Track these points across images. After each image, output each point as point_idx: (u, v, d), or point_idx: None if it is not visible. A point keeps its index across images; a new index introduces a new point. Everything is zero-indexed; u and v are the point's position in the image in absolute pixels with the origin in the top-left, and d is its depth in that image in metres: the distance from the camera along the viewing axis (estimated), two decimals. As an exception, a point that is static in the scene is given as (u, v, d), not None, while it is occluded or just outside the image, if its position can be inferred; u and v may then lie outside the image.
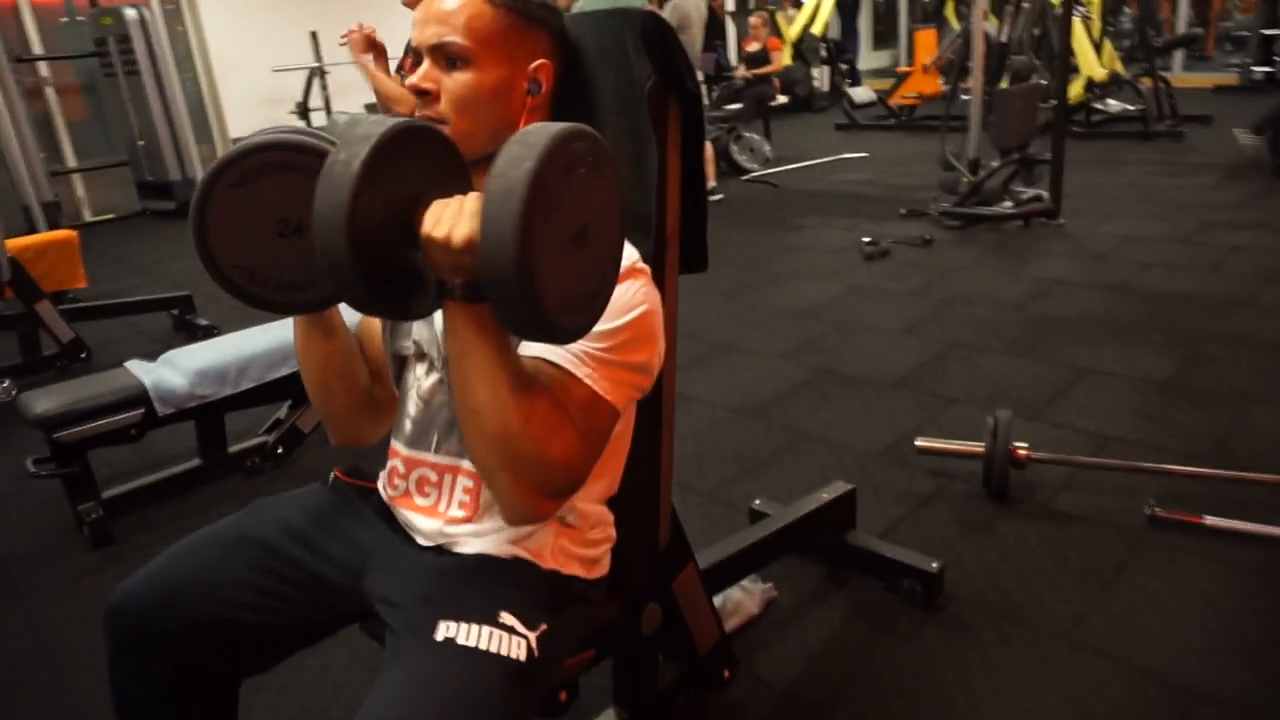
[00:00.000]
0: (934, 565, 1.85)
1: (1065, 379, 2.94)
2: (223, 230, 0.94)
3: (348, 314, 1.03)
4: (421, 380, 1.11)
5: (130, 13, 6.86)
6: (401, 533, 1.15)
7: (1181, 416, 2.61)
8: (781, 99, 8.27)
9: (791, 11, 10.50)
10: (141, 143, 7.29)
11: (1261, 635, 1.71)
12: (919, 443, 2.39)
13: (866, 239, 4.70)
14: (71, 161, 7.73)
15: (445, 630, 0.97)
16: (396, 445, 1.16)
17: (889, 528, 2.15)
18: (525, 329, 0.82)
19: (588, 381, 0.95)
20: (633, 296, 0.97)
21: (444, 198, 0.83)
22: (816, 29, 9.95)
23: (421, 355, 1.11)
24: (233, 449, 2.69)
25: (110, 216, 7.69)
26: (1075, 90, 7.14)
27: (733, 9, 11.35)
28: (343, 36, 2.80)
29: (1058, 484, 2.27)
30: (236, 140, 0.92)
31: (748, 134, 7.31)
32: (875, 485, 2.34)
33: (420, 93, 1.02)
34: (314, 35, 8.59)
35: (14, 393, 3.53)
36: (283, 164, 0.93)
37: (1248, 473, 2.15)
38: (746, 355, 3.40)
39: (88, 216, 7.69)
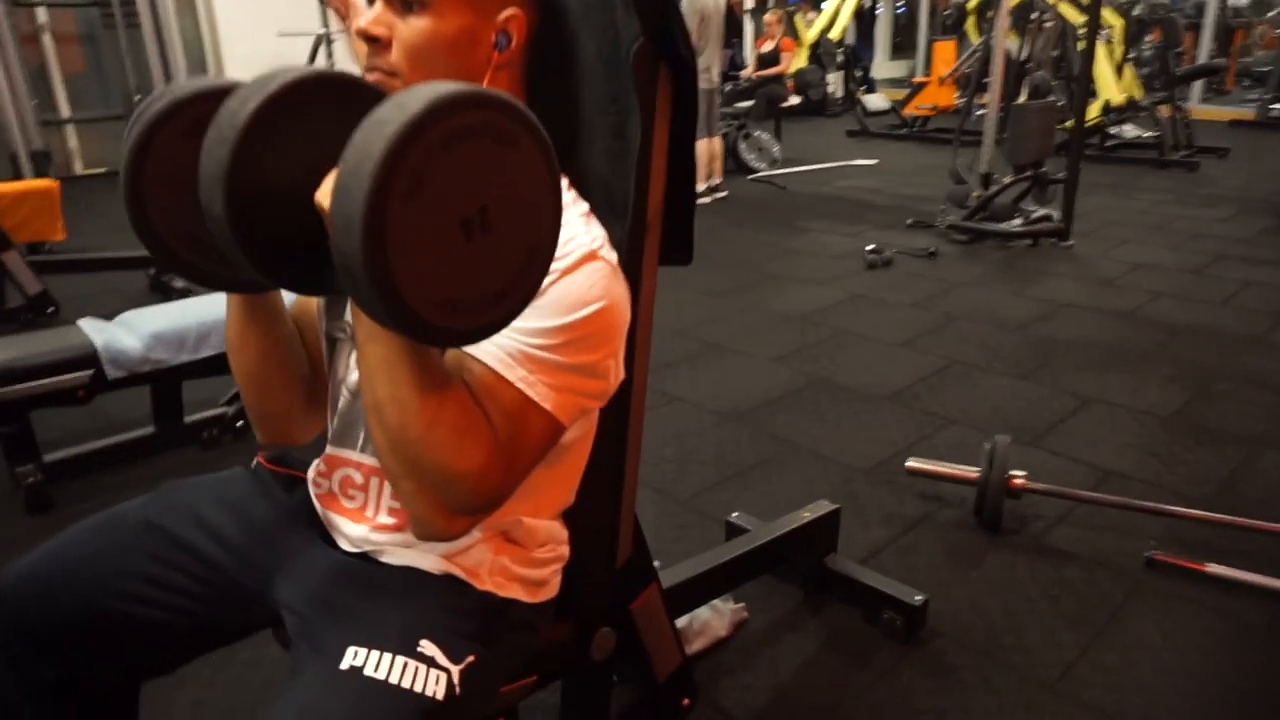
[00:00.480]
0: (917, 598, 1.72)
1: (1067, 406, 2.81)
2: (165, 187, 0.80)
3: (285, 294, 0.89)
4: (351, 369, 0.97)
5: (134, -39, 6.68)
6: (325, 534, 1.02)
7: (1187, 455, 2.48)
8: (794, 100, 8.14)
9: (811, 15, 10.35)
10: (138, 97, 7.11)
11: (1262, 701, 1.59)
12: (910, 464, 2.26)
13: (870, 247, 4.57)
14: (65, 112, 7.56)
15: (353, 657, 0.84)
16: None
17: (872, 552, 2.02)
18: (399, 329, 0.69)
19: (519, 386, 0.81)
20: (587, 290, 0.84)
21: None
22: (834, 34, 9.79)
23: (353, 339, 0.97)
24: (189, 419, 2.55)
25: (102, 170, 7.51)
26: (1092, 112, 7.01)
27: (752, 7, 11.19)
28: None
29: (1053, 517, 2.15)
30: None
31: (757, 133, 7.17)
32: (861, 505, 2.22)
33: (368, 39, 0.88)
34: (322, 1, 8.41)
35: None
36: None
37: (1255, 521, 2.03)
38: (738, 357, 3.27)
39: (79, 169, 7.52)
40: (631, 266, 1.02)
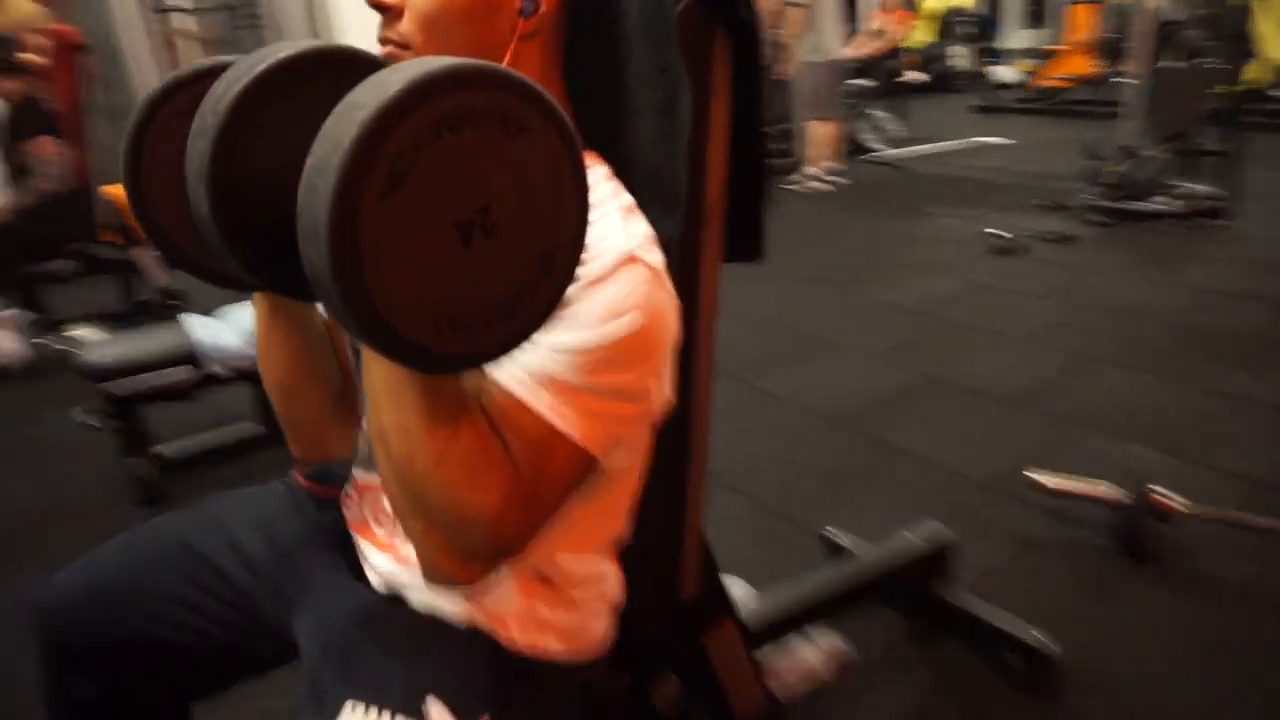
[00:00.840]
0: (1041, 638, 1.51)
1: (1219, 411, 2.48)
2: (167, 170, 0.71)
3: None
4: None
5: (261, -34, 6.95)
6: (355, 562, 0.93)
7: (1373, 471, 2.13)
8: (916, 76, 7.72)
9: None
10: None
11: None
12: (1033, 476, 2.02)
13: (995, 231, 4.23)
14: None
15: (350, 711, 0.74)
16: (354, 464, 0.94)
17: (989, 579, 1.80)
18: (383, 352, 0.57)
19: (543, 412, 0.68)
20: (622, 299, 0.69)
21: None
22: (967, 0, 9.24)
23: None
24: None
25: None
26: (1254, 74, 6.32)
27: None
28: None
29: (1213, 546, 1.86)
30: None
31: (874, 112, 6.83)
32: (977, 522, 1.99)
33: (378, 6, 0.77)
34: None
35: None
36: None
37: None
38: (843, 352, 3.06)
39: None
40: (685, 267, 0.88)
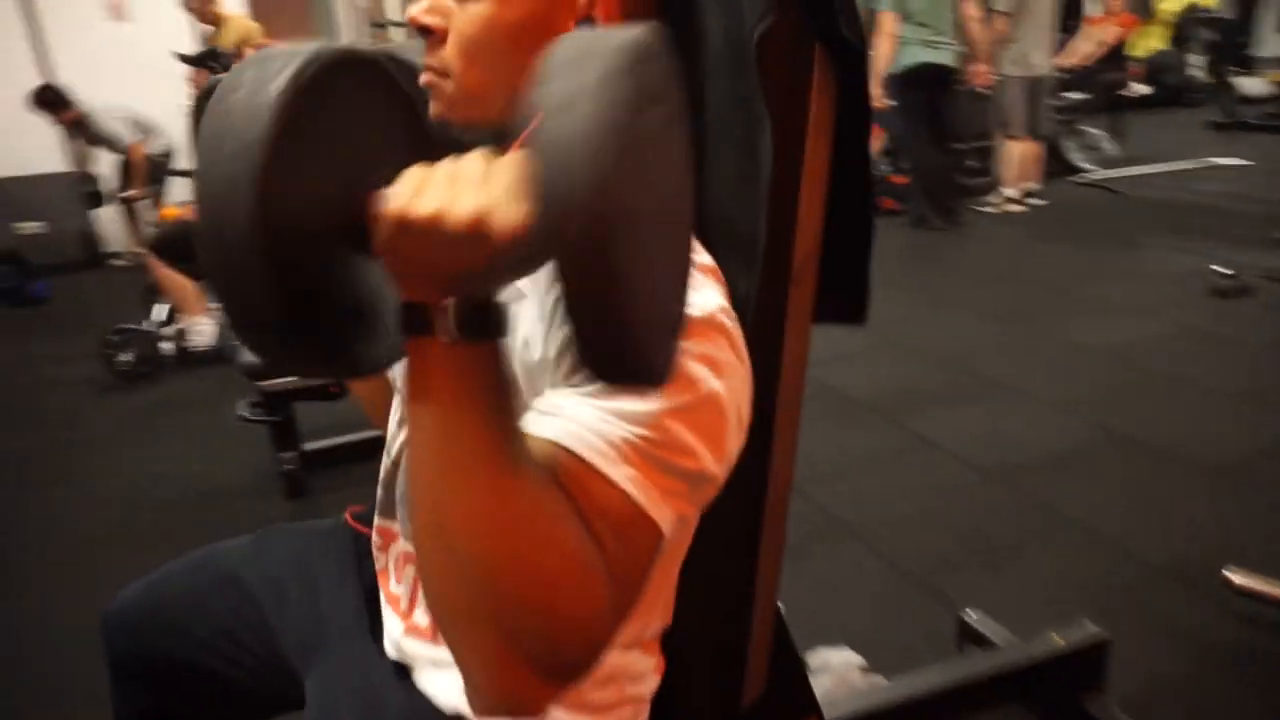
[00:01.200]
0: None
1: None
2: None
3: None
4: (394, 428, 0.81)
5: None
6: (379, 618, 0.88)
7: None
8: (1140, 89, 6.98)
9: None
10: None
11: None
12: (1234, 579, 1.70)
13: (1221, 268, 3.70)
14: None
15: None
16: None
17: (1159, 694, 1.53)
18: (598, 362, 0.47)
19: (628, 487, 0.57)
20: (690, 364, 0.59)
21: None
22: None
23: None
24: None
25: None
26: None
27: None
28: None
29: None
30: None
31: (1089, 129, 6.23)
32: (1150, 619, 1.70)
33: (421, 30, 0.70)
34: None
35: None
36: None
37: None
38: (1017, 398, 2.75)
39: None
40: (765, 330, 0.75)
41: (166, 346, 3.52)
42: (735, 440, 0.63)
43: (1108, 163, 6.14)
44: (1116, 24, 6.76)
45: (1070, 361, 3.03)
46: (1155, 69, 7.94)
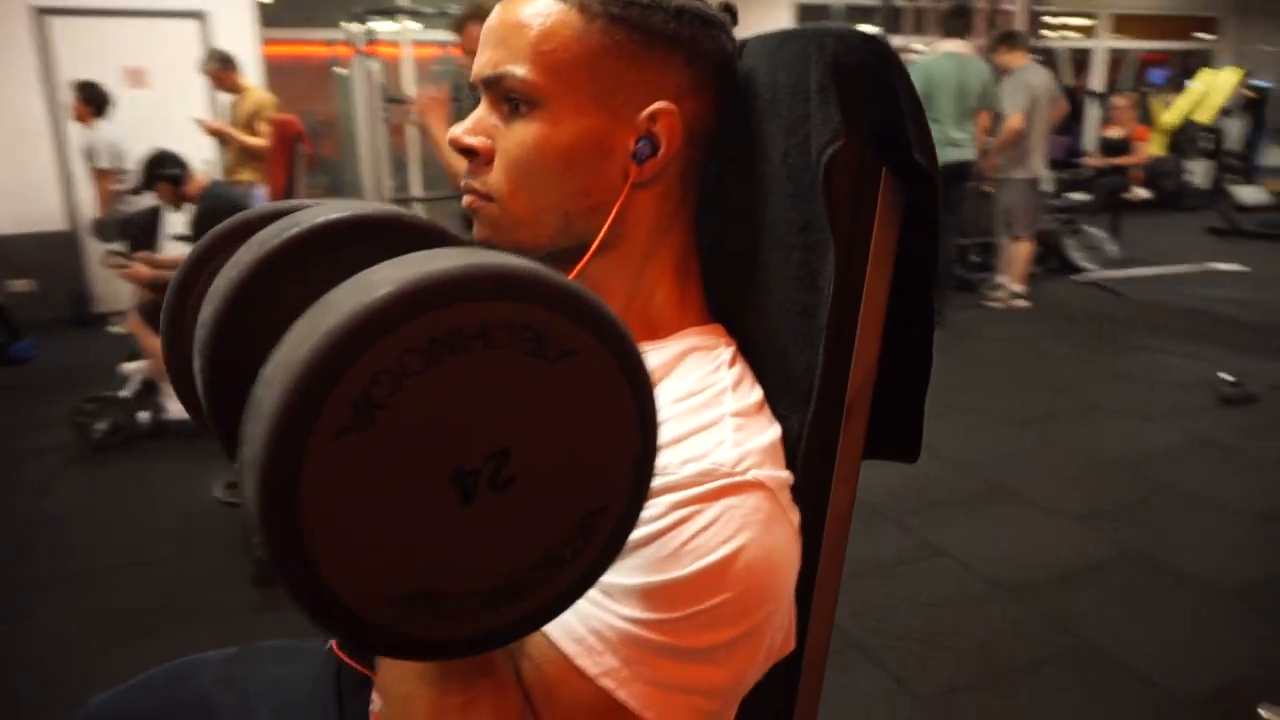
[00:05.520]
0: None
1: None
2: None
3: None
4: None
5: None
6: None
7: None
8: (1141, 193, 7.09)
9: (1170, 97, 9.09)
10: (464, 181, 7.92)
11: None
12: (1265, 713, 1.61)
13: (1227, 376, 3.67)
14: (417, 192, 8.57)
15: None
16: None
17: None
18: (325, 628, 0.41)
19: (606, 683, 0.51)
20: (724, 535, 0.52)
21: None
22: (1203, 117, 8.48)
23: None
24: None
25: (436, 237, 8.39)
26: None
27: (1099, 89, 10.08)
28: (411, 105, 2.83)
29: None
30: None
31: (1090, 229, 6.30)
32: (1184, 759, 1.60)
33: (464, 151, 0.65)
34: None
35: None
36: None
37: None
38: (1029, 509, 2.68)
39: (420, 238, 8.46)
40: (812, 469, 0.69)
41: (143, 415, 3.37)
42: (778, 610, 0.57)
43: (1108, 263, 6.19)
44: (1134, 135, 6.93)
45: (1082, 471, 2.96)
46: (1154, 174, 8.08)
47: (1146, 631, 2.02)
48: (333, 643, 0.92)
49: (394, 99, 7.92)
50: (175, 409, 3.39)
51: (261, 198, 4.07)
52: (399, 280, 0.37)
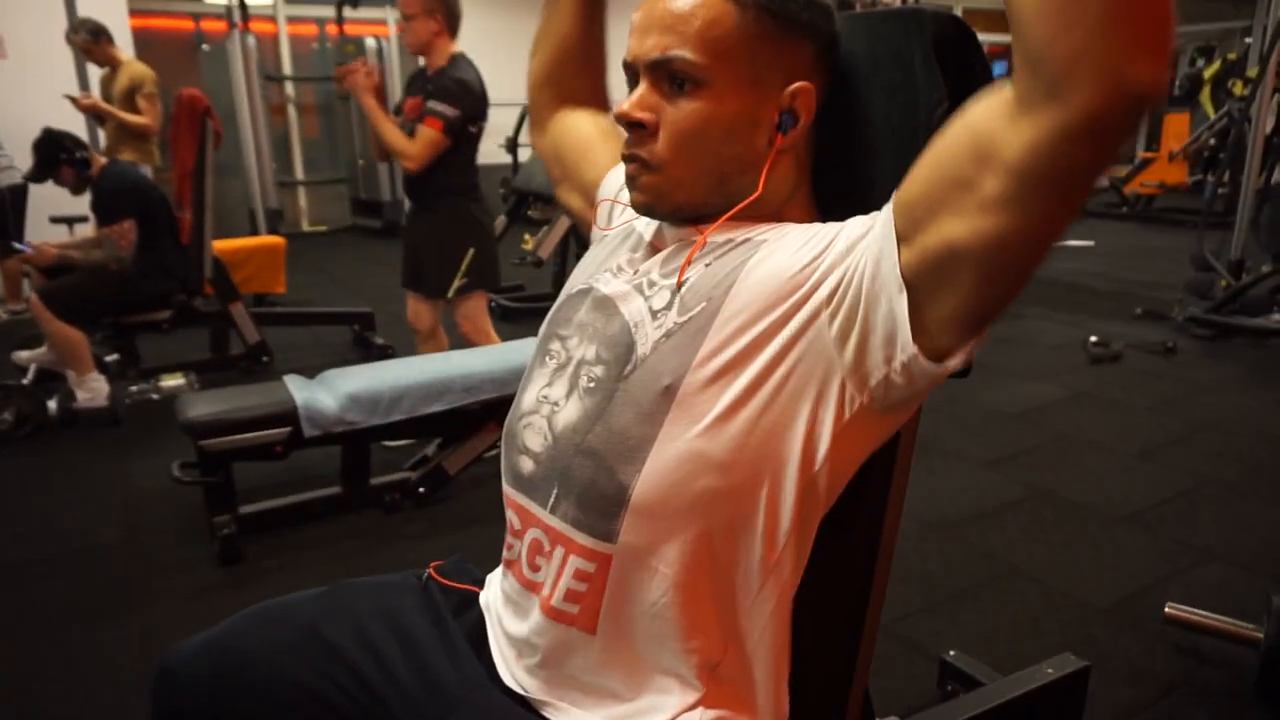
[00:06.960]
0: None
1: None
2: None
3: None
4: (561, 396, 0.80)
5: (370, 42, 7.36)
6: (493, 668, 0.87)
7: None
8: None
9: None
10: (361, 162, 7.73)
11: None
12: (1171, 610, 1.88)
13: (1094, 338, 4.10)
14: (300, 174, 8.29)
15: None
16: (507, 486, 0.85)
17: (1123, 720, 1.67)
18: None
19: None
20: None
21: None
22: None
23: (580, 332, 0.81)
24: (375, 481, 2.55)
25: (323, 228, 8.16)
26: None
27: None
28: (340, 71, 2.76)
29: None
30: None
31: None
32: (1101, 655, 1.85)
33: (631, 124, 0.76)
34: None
35: (197, 387, 3.63)
36: None
37: None
38: (946, 459, 2.95)
39: (305, 226, 8.20)
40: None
41: (51, 405, 3.21)
42: None
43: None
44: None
45: (986, 423, 3.27)
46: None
47: (1058, 556, 2.29)
48: (431, 569, 0.98)
49: (273, 77, 7.66)
50: (85, 397, 3.25)
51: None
52: None
